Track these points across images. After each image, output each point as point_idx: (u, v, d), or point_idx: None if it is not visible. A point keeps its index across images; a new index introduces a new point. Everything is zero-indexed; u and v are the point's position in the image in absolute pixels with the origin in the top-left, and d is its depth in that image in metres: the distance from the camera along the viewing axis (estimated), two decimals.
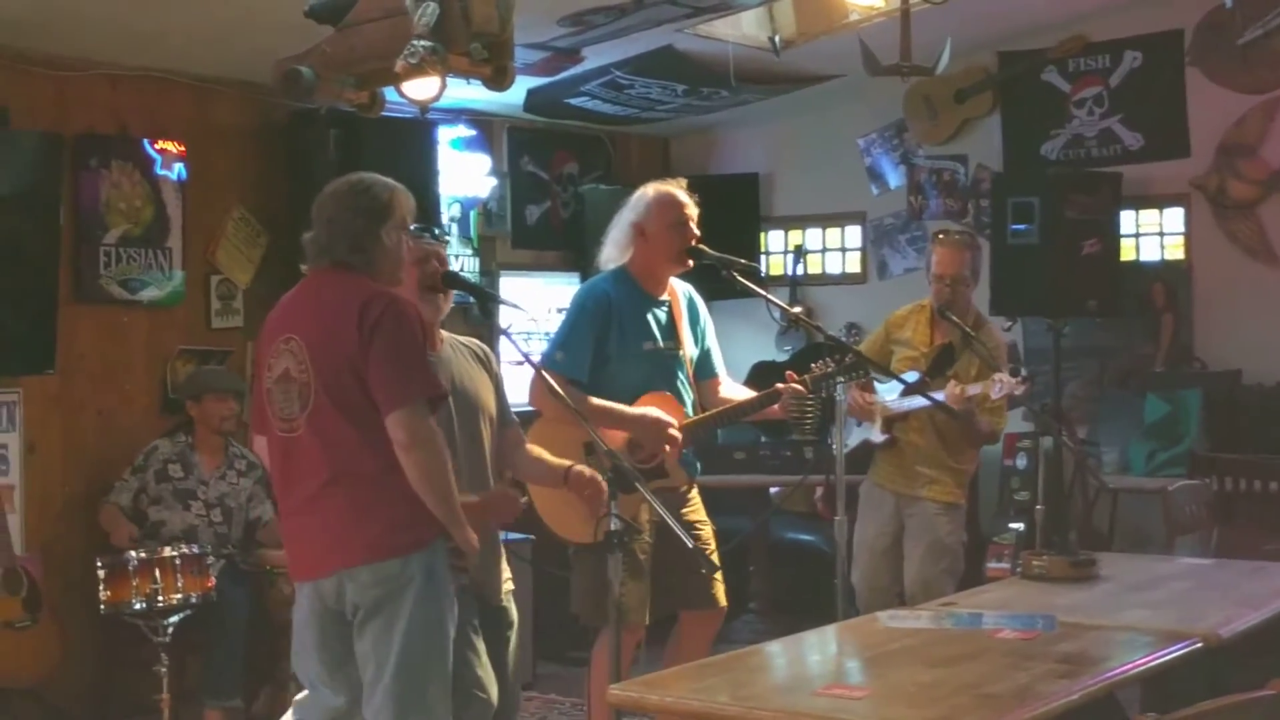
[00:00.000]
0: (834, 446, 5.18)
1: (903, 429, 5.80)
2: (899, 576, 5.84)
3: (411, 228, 4.33)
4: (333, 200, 4.09)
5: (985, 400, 5.50)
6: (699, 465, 5.30)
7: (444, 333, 4.57)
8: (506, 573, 4.72)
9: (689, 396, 5.19)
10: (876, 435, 5.84)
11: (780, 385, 5.10)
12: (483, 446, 4.53)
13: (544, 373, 4.70)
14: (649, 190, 5.17)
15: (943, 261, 5.85)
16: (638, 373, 5.08)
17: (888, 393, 5.79)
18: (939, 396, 5.44)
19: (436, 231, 4.64)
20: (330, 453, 3.92)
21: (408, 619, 3.87)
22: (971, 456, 5.92)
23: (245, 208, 7.15)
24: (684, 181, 5.23)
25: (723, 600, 5.21)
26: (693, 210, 5.13)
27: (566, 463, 4.59)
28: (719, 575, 5.12)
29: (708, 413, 5.22)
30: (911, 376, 5.66)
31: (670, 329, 5.18)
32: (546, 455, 4.68)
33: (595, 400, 4.96)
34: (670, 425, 5.02)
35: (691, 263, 5.13)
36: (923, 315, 5.92)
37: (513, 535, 6.94)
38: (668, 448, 5.03)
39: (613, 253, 5.19)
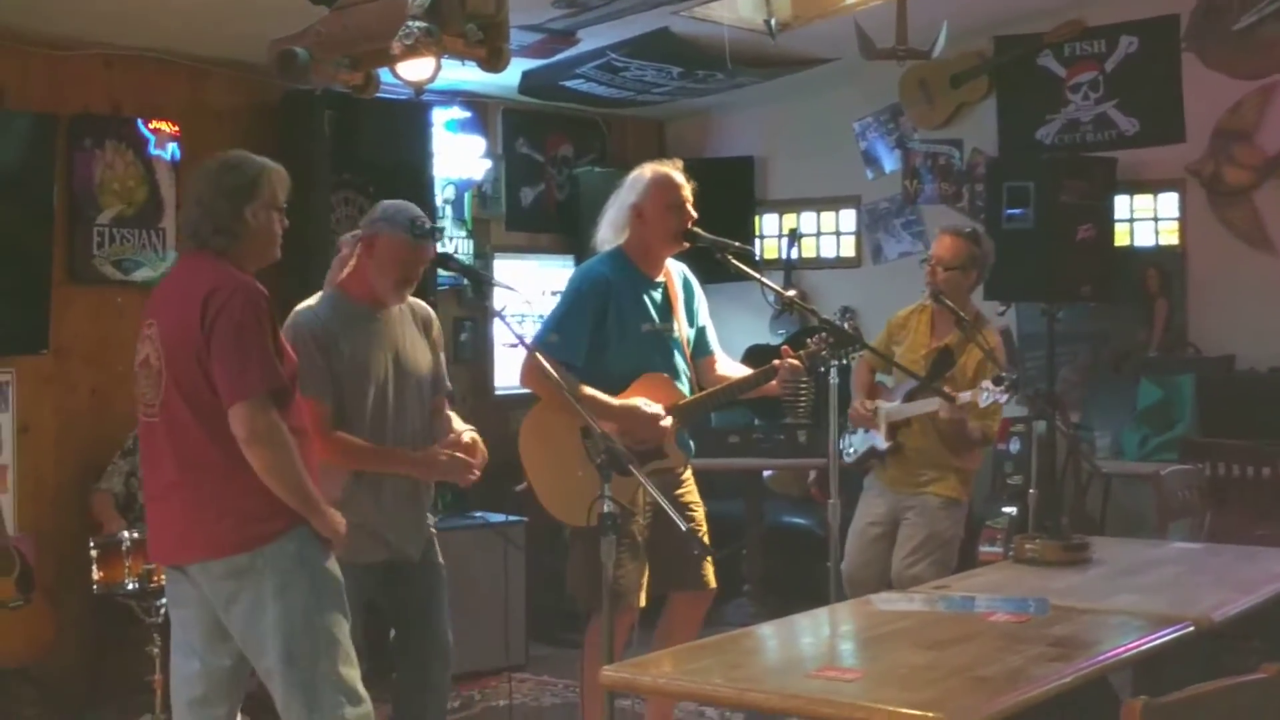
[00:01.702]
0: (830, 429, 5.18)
1: (906, 433, 5.80)
2: (886, 567, 5.80)
3: (416, 227, 4.44)
4: (201, 178, 4.05)
5: (975, 408, 5.50)
6: (692, 445, 5.30)
7: None
8: (431, 524, 4.81)
9: (686, 376, 5.19)
10: (881, 442, 5.84)
11: (776, 361, 5.10)
12: (423, 413, 4.69)
13: (532, 355, 4.73)
14: (646, 171, 5.15)
15: (938, 245, 5.89)
16: (636, 355, 5.07)
17: (889, 400, 5.82)
18: (933, 405, 5.48)
19: (439, 227, 4.70)
20: (179, 444, 3.93)
21: (276, 611, 3.89)
22: (975, 456, 5.93)
23: None
24: (680, 163, 5.22)
25: (713, 581, 5.22)
26: (689, 192, 5.12)
27: (467, 427, 4.78)
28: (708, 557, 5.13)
29: (704, 392, 5.21)
30: (910, 384, 5.69)
31: (666, 310, 5.17)
32: (457, 423, 4.81)
33: (586, 389, 4.93)
34: (659, 417, 5.00)
35: (687, 244, 5.12)
36: (923, 316, 5.93)
37: (507, 518, 6.98)
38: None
39: (608, 234, 5.18)
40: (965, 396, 5.45)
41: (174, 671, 4.12)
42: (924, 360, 5.77)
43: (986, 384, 5.38)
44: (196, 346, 3.85)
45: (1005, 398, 5.36)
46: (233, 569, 3.90)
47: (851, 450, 5.92)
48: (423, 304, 4.86)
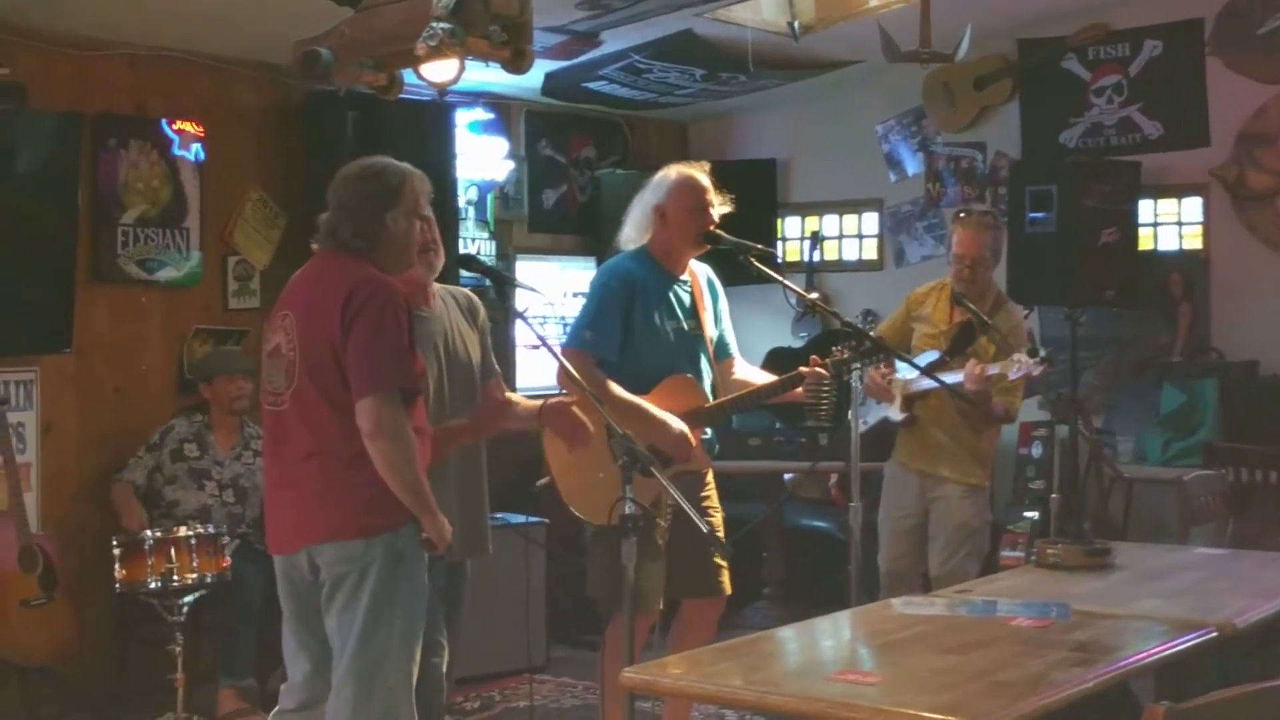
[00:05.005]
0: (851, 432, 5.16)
1: (922, 407, 5.77)
2: (923, 557, 5.80)
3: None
4: (343, 183, 4.16)
5: (1003, 380, 5.47)
6: (717, 448, 5.29)
7: (435, 285, 4.63)
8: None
9: (709, 379, 5.18)
10: (896, 414, 5.81)
11: (803, 369, 5.09)
12: (471, 402, 4.63)
13: (569, 353, 4.79)
14: (671, 172, 5.14)
15: (962, 242, 5.81)
16: (662, 352, 5.05)
17: (906, 370, 5.74)
18: (957, 377, 5.42)
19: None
20: (309, 431, 4.00)
21: (369, 598, 3.94)
22: (991, 434, 5.88)
23: (263, 189, 7.16)
24: (707, 165, 5.20)
25: (728, 588, 5.19)
26: (713, 195, 5.10)
27: (539, 401, 4.67)
28: (725, 562, 5.11)
29: (729, 397, 5.18)
30: (931, 355, 5.64)
31: (693, 309, 5.16)
32: (520, 399, 4.78)
33: (624, 394, 4.92)
34: (686, 440, 4.96)
35: (709, 246, 5.12)
36: (943, 293, 5.88)
37: (528, 519, 6.97)
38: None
39: (632, 233, 5.17)
40: (994, 368, 5.41)
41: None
42: (945, 335, 5.73)
43: (1020, 356, 5.33)
44: (334, 342, 3.93)
45: (1038, 370, 5.30)
46: (345, 554, 3.96)
47: (864, 421, 5.83)
48: (465, 291, 4.82)
